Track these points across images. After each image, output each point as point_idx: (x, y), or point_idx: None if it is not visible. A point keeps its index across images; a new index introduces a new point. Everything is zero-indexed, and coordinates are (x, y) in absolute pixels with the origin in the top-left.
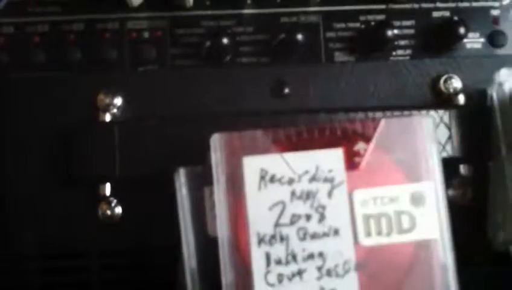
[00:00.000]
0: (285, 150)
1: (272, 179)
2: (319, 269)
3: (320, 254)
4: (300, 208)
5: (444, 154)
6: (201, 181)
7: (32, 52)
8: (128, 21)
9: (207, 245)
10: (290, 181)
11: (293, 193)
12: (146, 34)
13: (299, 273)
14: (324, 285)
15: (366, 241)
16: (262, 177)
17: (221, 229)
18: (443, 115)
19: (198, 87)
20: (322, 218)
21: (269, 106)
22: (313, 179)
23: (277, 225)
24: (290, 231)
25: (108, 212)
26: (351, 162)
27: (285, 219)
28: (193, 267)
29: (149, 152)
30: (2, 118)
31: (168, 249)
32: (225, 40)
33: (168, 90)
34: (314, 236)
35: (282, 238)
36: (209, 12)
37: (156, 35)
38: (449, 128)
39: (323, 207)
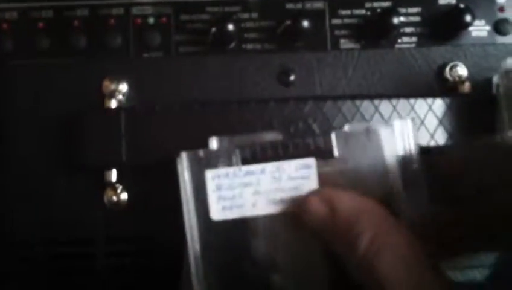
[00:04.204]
0: None
1: None
2: None
3: None
4: None
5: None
6: (204, 164)
7: (36, 38)
8: (133, 7)
9: (210, 229)
10: None
11: None
12: (151, 20)
13: None
14: None
15: None
16: None
17: None
18: (450, 102)
19: (203, 74)
20: None
21: (275, 93)
22: None
23: None
24: None
25: (115, 198)
26: None
27: None
28: (197, 251)
29: (155, 138)
30: (6, 105)
31: (173, 235)
32: (230, 27)
33: (173, 77)
34: None
35: None
36: None
37: (161, 22)
38: (453, 117)
39: None
